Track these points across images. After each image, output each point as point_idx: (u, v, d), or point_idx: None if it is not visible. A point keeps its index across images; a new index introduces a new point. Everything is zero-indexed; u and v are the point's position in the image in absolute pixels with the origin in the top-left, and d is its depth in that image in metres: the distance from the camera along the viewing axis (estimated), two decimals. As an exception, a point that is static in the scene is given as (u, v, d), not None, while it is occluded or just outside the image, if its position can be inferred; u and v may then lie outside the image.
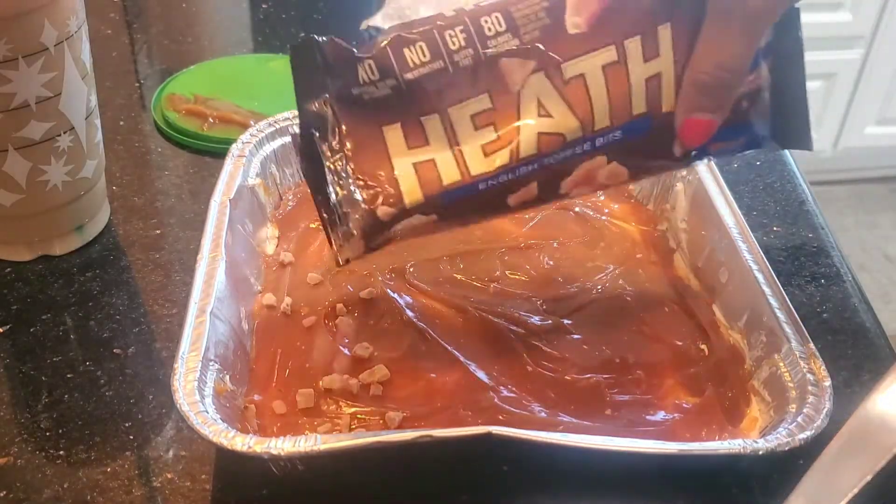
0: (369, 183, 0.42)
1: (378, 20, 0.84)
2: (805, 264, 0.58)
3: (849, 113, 1.89)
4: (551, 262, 0.55)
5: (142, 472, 0.44)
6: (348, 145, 0.42)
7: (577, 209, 0.59)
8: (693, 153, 0.44)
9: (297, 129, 0.45)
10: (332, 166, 0.42)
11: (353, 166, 0.42)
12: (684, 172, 0.56)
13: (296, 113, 0.58)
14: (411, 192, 0.42)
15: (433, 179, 0.42)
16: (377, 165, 0.42)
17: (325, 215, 0.43)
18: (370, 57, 0.41)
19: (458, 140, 0.42)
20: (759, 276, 0.48)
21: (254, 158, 0.56)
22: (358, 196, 0.42)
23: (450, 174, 0.42)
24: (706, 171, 0.55)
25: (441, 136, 0.42)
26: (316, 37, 0.42)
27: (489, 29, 0.41)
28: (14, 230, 0.55)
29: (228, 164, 0.54)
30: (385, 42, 0.42)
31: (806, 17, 0.43)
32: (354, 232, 0.43)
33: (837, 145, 1.94)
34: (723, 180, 0.55)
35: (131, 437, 0.45)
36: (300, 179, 0.59)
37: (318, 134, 0.42)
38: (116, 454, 0.44)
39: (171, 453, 0.44)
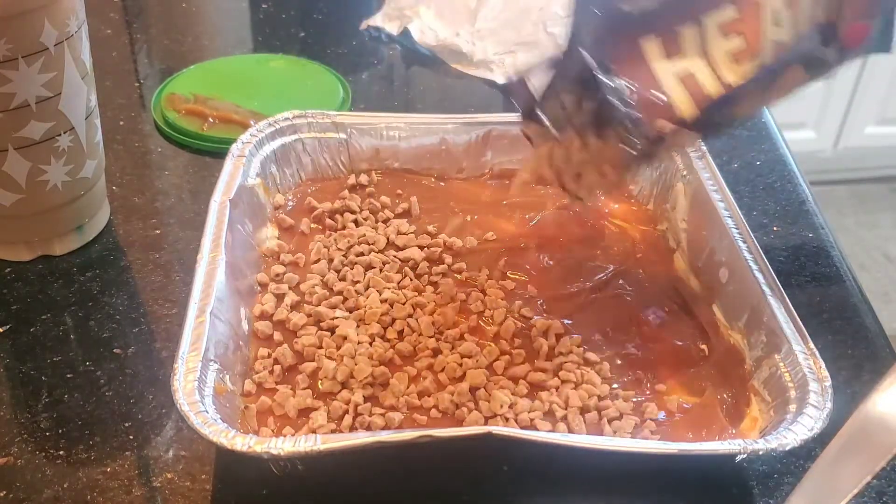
0: (643, 96, 0.43)
1: (378, 20, 0.84)
2: (805, 264, 0.58)
3: (849, 113, 1.89)
4: (551, 262, 0.55)
5: (142, 472, 0.44)
6: (613, 65, 0.43)
7: (576, 209, 0.59)
8: (839, 61, 0.46)
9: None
10: (610, 85, 0.43)
11: (626, 81, 0.43)
12: (685, 172, 0.56)
13: (295, 113, 0.59)
14: (684, 104, 0.43)
15: (698, 91, 0.43)
16: (645, 79, 0.43)
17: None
18: None
19: (707, 49, 0.43)
20: (759, 276, 0.48)
21: (254, 158, 0.56)
22: (633, 112, 0.43)
23: (711, 85, 0.43)
24: (706, 171, 0.55)
25: (695, 46, 0.43)
26: None
27: None
28: (14, 230, 0.55)
29: (228, 164, 0.54)
30: None
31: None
32: (635, 152, 0.44)
33: (837, 145, 1.94)
34: (723, 180, 0.55)
35: (131, 437, 0.45)
36: (300, 179, 0.59)
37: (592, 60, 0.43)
38: (116, 454, 0.44)
39: (171, 453, 0.44)
